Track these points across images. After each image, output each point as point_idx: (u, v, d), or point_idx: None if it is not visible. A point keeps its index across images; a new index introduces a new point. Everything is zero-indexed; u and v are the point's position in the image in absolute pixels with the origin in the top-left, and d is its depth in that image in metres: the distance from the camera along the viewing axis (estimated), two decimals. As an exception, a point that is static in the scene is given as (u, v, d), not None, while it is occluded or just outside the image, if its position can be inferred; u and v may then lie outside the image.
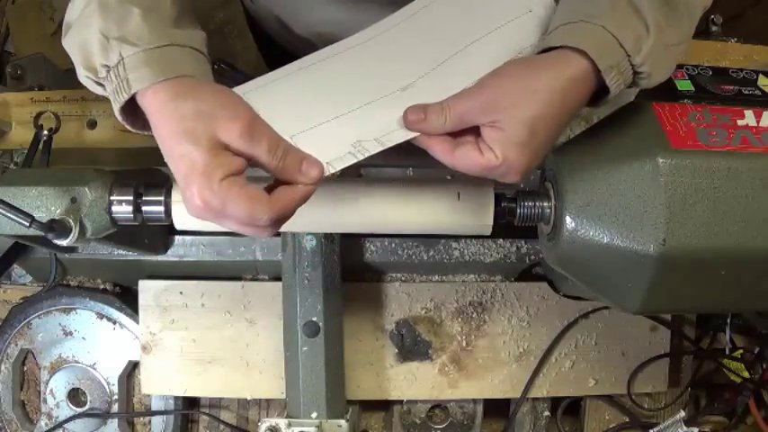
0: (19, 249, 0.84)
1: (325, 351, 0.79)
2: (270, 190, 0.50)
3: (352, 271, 0.85)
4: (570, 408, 0.92)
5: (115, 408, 0.90)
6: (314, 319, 0.78)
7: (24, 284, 0.93)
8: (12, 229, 0.59)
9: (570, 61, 0.52)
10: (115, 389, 0.89)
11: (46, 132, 0.80)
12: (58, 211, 0.59)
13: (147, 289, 0.87)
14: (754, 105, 0.61)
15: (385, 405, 0.93)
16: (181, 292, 0.86)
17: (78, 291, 0.90)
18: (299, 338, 0.78)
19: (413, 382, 0.88)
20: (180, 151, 0.48)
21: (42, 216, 0.58)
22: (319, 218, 0.65)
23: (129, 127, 0.55)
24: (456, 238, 0.84)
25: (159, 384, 0.88)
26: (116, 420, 0.89)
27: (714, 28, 1.00)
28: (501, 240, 0.84)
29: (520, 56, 0.56)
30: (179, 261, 0.85)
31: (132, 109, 0.53)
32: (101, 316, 0.89)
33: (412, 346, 0.87)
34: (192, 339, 0.87)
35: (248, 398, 0.90)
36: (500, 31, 0.57)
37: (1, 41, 1.32)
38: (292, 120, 0.54)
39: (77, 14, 0.53)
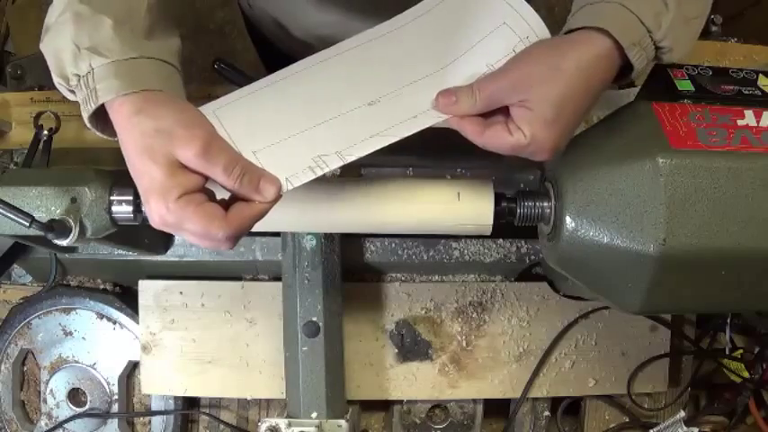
0: (19, 249, 0.84)
1: (325, 351, 0.79)
2: (230, 205, 0.51)
3: (352, 271, 0.85)
4: (570, 408, 0.92)
5: (115, 408, 0.90)
6: (314, 319, 0.78)
7: (24, 284, 0.93)
8: (12, 229, 0.59)
9: (593, 41, 0.53)
10: (115, 389, 0.89)
11: (46, 132, 0.80)
12: (58, 211, 0.59)
13: (147, 289, 0.87)
14: (754, 105, 0.61)
15: (385, 405, 0.93)
16: (181, 292, 0.86)
17: (78, 291, 0.90)
18: (299, 338, 0.78)
19: (413, 382, 0.88)
20: (140, 167, 0.49)
21: (42, 216, 0.58)
22: (319, 218, 0.65)
23: (99, 134, 0.56)
24: (456, 238, 0.84)
25: (159, 384, 0.88)
26: (116, 420, 0.89)
27: (714, 28, 1.00)
28: (501, 240, 0.84)
29: (497, 66, 0.57)
30: (179, 261, 0.85)
31: (103, 116, 0.53)
32: (101, 316, 0.89)
33: (412, 346, 0.87)
34: (192, 339, 0.87)
35: (248, 398, 0.90)
36: (475, 48, 0.58)
37: (1, 41, 1.32)
38: (256, 136, 0.54)
39: (53, 20, 0.53)
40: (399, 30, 0.61)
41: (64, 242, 0.57)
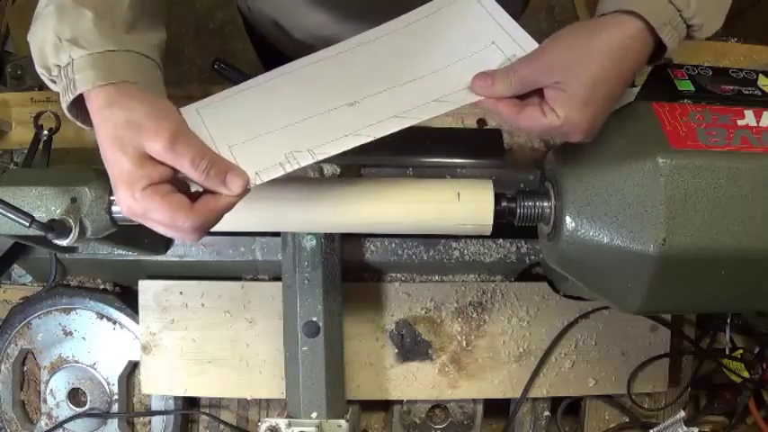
0: (19, 249, 0.85)
1: (325, 351, 0.79)
2: (198, 197, 0.52)
3: (352, 271, 0.85)
4: (570, 408, 0.92)
5: (115, 408, 0.90)
6: (314, 319, 0.78)
7: (24, 284, 0.93)
8: (12, 229, 0.59)
9: (625, 23, 0.54)
10: (115, 389, 0.89)
11: (46, 132, 0.80)
12: (58, 211, 0.59)
13: (147, 289, 0.87)
14: (754, 105, 0.61)
15: (385, 405, 0.93)
16: (181, 292, 0.86)
17: (78, 291, 0.90)
18: (299, 338, 0.78)
19: (413, 382, 0.88)
20: (110, 157, 0.51)
21: (42, 216, 0.58)
22: (319, 218, 0.65)
23: (79, 123, 0.57)
24: (456, 238, 0.84)
25: (159, 384, 0.88)
26: (116, 420, 0.89)
27: (714, 28, 1.00)
28: (501, 240, 0.84)
29: None
30: (179, 261, 0.85)
31: (83, 106, 0.55)
32: (101, 316, 0.89)
33: (412, 346, 0.87)
34: (192, 339, 0.87)
35: (248, 398, 0.90)
36: (463, 62, 0.59)
37: (1, 41, 1.32)
38: (234, 131, 0.56)
39: (40, 11, 0.55)
40: (389, 35, 0.62)
41: (64, 242, 0.57)
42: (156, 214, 0.50)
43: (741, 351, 0.89)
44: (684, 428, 0.81)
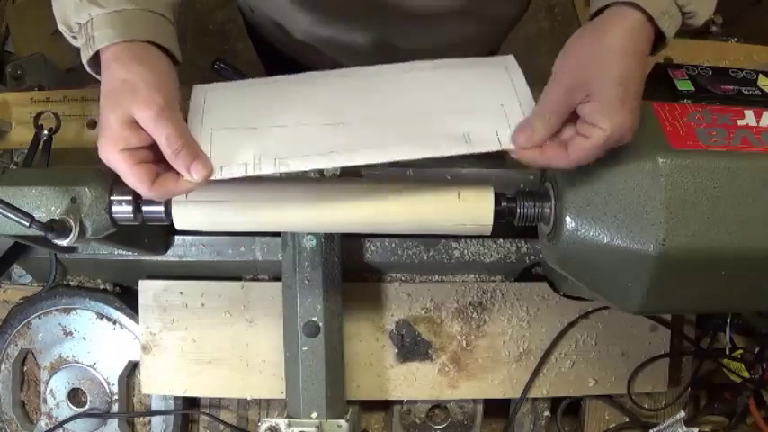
0: (19, 249, 0.84)
1: (325, 351, 0.79)
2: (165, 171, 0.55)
3: (352, 271, 0.85)
4: (570, 408, 0.92)
5: (115, 408, 0.90)
6: (314, 319, 0.78)
7: (24, 284, 0.93)
8: (12, 229, 0.59)
9: (626, 17, 0.54)
10: (115, 389, 0.89)
11: (46, 132, 0.80)
12: (58, 211, 0.59)
13: (147, 289, 0.87)
14: (754, 105, 0.61)
15: (385, 405, 0.93)
16: (181, 292, 0.86)
17: (78, 291, 0.90)
18: (299, 338, 0.78)
19: (413, 382, 0.88)
20: (103, 109, 0.54)
21: (42, 216, 0.58)
22: (319, 218, 0.65)
23: (96, 76, 0.59)
24: (456, 238, 0.84)
25: (159, 384, 0.88)
26: (116, 420, 0.89)
27: (714, 28, 1.01)
28: (501, 240, 0.84)
29: (473, 139, 0.57)
30: (179, 261, 0.85)
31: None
32: (101, 316, 0.89)
33: (412, 346, 0.87)
34: (192, 339, 0.87)
35: (248, 398, 0.90)
36: (465, 116, 0.58)
37: (1, 41, 1.32)
38: (222, 117, 0.58)
39: None
40: (404, 74, 0.62)
41: (64, 242, 0.57)
42: (123, 176, 0.54)
43: (741, 351, 0.89)
44: (684, 428, 0.81)
